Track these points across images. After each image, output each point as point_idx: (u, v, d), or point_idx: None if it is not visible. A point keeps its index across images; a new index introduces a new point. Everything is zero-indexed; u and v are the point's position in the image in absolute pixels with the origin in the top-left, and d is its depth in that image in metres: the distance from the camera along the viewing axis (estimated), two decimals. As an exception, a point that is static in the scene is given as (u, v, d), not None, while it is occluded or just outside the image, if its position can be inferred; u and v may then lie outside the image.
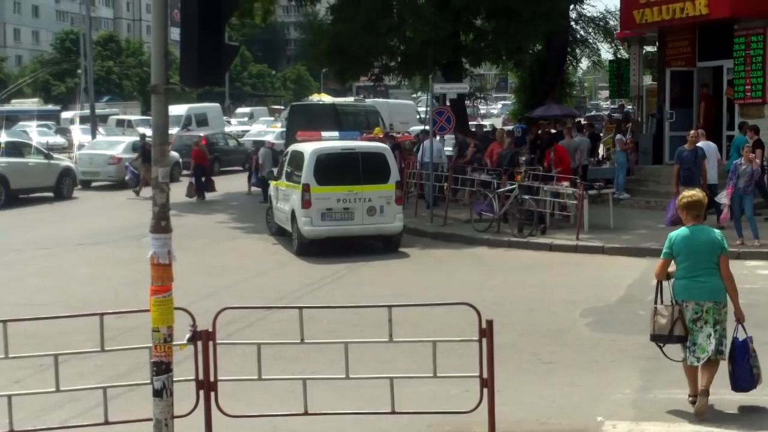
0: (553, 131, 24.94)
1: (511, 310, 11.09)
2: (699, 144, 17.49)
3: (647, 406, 7.69)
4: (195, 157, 25.87)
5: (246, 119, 60.77)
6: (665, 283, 7.62)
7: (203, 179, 25.55)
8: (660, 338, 7.50)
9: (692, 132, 16.71)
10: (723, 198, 15.46)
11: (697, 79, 22.09)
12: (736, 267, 13.08)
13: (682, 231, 7.49)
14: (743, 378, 7.38)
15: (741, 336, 7.42)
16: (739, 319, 7.38)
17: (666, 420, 7.37)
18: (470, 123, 47.42)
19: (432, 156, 19.86)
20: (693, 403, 7.42)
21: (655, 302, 7.60)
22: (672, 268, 7.54)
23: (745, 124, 18.61)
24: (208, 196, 25.31)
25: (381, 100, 45.11)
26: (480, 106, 56.33)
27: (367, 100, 40.15)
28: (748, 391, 7.48)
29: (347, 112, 30.18)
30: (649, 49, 29.22)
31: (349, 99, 41.92)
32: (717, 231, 7.57)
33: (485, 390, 6.50)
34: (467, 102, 49.60)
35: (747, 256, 14.56)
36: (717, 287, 7.33)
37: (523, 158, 20.48)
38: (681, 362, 7.56)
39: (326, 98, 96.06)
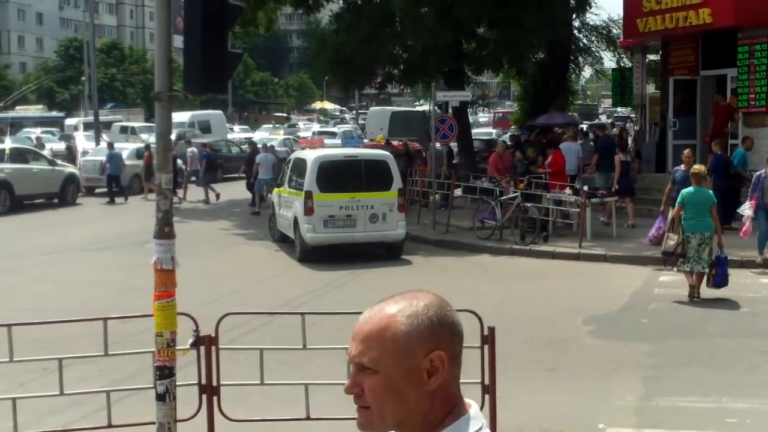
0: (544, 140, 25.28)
1: (513, 317, 11.10)
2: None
3: (649, 414, 7.71)
4: None
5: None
6: (675, 221, 12.13)
7: None
8: (667, 254, 12.15)
9: (686, 151, 15.74)
10: (746, 210, 14.34)
11: (700, 87, 22.07)
12: (741, 275, 13.06)
13: (689, 189, 12.03)
14: (722, 278, 11.90)
15: (723, 255, 11.95)
16: (721, 245, 12.02)
17: (668, 427, 7.39)
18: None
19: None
20: (691, 293, 12.03)
21: (668, 231, 12.24)
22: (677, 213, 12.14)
23: (747, 138, 18.55)
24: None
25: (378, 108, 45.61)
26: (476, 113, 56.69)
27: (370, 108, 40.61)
28: (723, 287, 11.94)
29: None
30: (652, 57, 29.21)
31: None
32: (710, 191, 12.31)
33: (487, 396, 6.51)
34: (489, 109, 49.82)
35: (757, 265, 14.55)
36: (711, 224, 11.97)
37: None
38: (684, 273, 12.13)
39: (328, 105, 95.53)
